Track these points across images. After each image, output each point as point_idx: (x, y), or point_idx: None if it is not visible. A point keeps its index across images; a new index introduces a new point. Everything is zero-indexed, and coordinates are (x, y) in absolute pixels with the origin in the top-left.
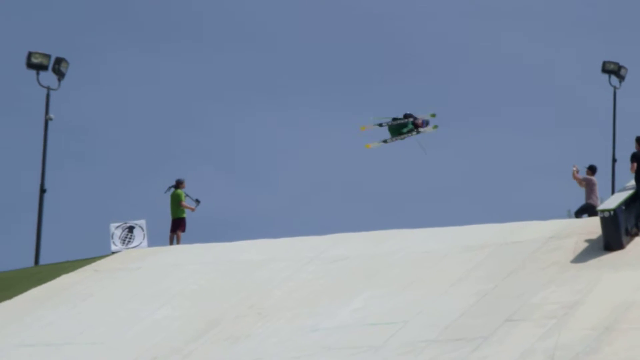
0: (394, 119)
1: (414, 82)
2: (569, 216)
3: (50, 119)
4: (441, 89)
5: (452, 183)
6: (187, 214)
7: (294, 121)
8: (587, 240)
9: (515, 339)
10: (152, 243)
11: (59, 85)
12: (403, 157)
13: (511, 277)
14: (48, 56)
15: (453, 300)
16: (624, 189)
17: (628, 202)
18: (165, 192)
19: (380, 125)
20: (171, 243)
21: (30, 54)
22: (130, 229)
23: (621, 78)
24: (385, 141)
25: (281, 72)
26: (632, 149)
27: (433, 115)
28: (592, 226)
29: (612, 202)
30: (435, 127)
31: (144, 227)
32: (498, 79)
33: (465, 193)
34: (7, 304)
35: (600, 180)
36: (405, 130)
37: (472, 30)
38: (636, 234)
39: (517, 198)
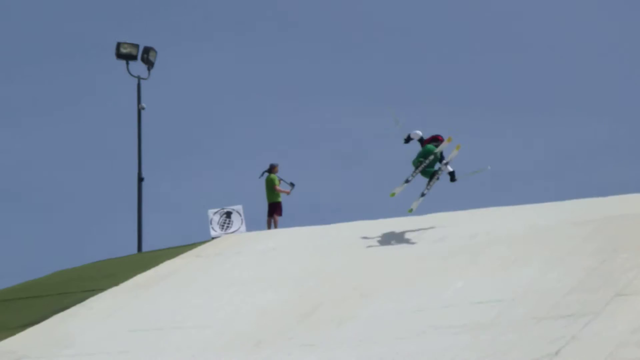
0: (418, 162)
1: (504, 65)
2: None
3: (143, 108)
4: (533, 70)
5: (557, 159)
6: (282, 198)
7: (381, 109)
8: None
9: (627, 314)
10: (250, 228)
11: (149, 74)
12: (503, 134)
13: (620, 250)
14: (136, 46)
15: (561, 276)
16: None
17: None
18: (260, 177)
19: (407, 181)
20: (269, 227)
21: (119, 45)
22: (228, 214)
23: None
24: (407, 181)
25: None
26: None
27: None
28: None
29: None
30: (458, 147)
31: (241, 212)
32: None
33: (571, 169)
34: (113, 290)
35: None
36: (431, 169)
37: (541, 11)
38: None
39: (622, 174)
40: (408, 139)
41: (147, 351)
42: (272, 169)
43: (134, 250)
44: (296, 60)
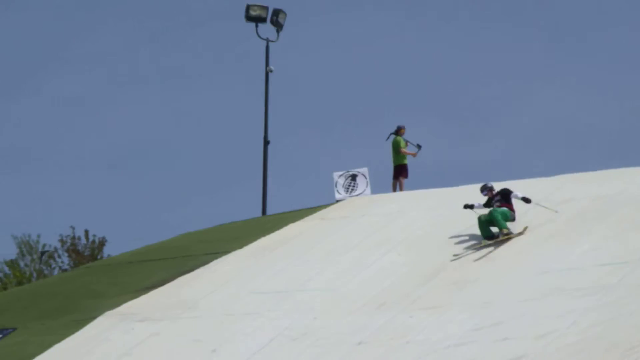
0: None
1: None
2: None
3: (271, 71)
4: None
5: None
6: (408, 160)
7: (515, 68)
8: None
9: None
10: (375, 190)
11: (278, 37)
12: (628, 95)
13: None
14: (266, 8)
15: None
16: None
17: None
18: (386, 140)
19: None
20: (394, 190)
21: (248, 7)
22: (353, 177)
23: None
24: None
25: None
26: None
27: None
28: None
29: None
30: (526, 228)
31: (367, 175)
32: None
33: None
34: (238, 253)
35: None
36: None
37: None
38: None
39: None
40: (524, 200)
41: (270, 313)
42: (398, 131)
43: (259, 213)
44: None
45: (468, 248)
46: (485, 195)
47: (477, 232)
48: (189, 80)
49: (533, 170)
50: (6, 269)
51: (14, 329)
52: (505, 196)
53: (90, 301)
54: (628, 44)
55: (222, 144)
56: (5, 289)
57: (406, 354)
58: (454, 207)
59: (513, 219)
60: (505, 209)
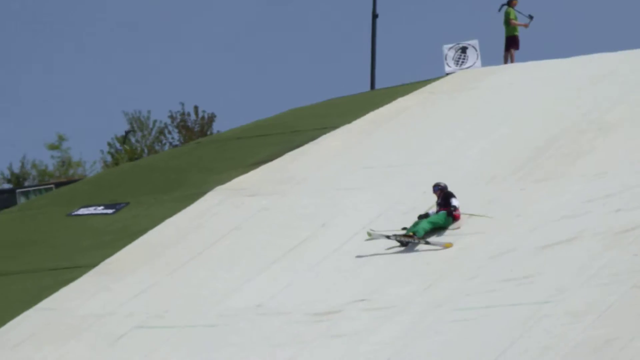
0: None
1: None
2: None
3: None
4: None
5: None
6: (520, 31)
7: None
8: None
9: None
10: (485, 63)
11: None
12: None
13: None
14: None
15: None
16: None
17: None
18: (498, 11)
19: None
20: (505, 62)
21: None
22: (463, 49)
23: None
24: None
25: None
26: None
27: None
28: None
29: None
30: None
31: (477, 47)
32: None
33: None
34: (346, 128)
35: None
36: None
37: None
38: None
39: None
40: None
41: (379, 187)
42: (510, 2)
43: (367, 87)
44: None
45: (581, 118)
46: (434, 193)
47: (592, 99)
48: None
49: None
50: (118, 144)
51: (127, 204)
52: (446, 199)
53: (200, 176)
54: None
55: (330, 18)
56: (117, 164)
57: (518, 227)
58: (565, 78)
59: (449, 223)
60: (440, 214)
